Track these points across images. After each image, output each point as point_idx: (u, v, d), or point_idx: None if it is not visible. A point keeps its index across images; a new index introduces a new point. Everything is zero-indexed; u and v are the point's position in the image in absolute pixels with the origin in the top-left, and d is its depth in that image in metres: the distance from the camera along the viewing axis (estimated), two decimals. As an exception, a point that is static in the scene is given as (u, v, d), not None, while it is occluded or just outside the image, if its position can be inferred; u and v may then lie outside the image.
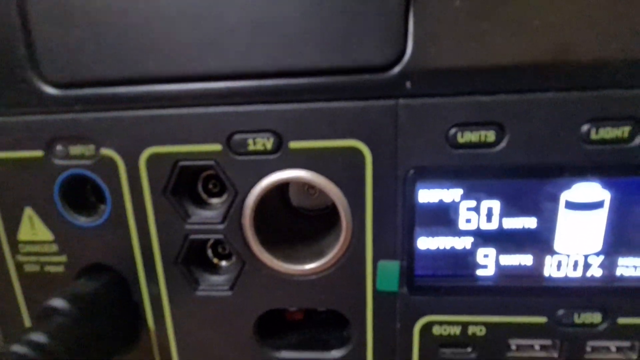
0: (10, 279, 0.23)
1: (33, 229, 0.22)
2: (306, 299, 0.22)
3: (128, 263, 0.22)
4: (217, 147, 0.19)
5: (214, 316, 0.22)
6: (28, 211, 0.21)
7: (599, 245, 0.20)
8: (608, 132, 0.18)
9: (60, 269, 0.22)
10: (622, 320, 0.20)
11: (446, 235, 0.20)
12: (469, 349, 0.22)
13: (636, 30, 0.17)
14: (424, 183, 0.19)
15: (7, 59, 0.19)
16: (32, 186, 0.21)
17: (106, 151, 0.20)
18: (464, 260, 0.21)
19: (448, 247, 0.21)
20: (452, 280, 0.21)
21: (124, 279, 0.22)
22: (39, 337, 0.17)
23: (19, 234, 0.22)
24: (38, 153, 0.20)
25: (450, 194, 0.20)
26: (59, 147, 0.20)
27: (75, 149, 0.20)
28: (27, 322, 0.23)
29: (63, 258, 0.22)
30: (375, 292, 0.21)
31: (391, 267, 0.21)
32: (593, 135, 0.18)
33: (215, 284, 0.22)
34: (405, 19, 0.17)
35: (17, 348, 0.17)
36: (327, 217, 0.23)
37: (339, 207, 0.20)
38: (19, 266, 0.22)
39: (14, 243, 0.22)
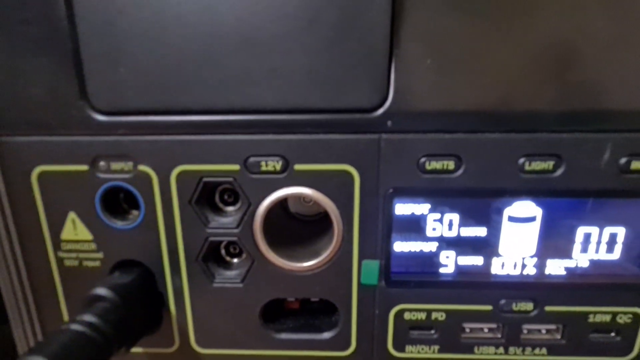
0: (52, 271, 0.27)
1: (75, 230, 0.26)
2: (304, 290, 0.26)
3: (156, 259, 0.26)
4: (235, 167, 0.24)
5: (227, 304, 0.27)
6: (71, 215, 0.25)
7: (533, 250, 0.26)
8: (538, 165, 0.23)
9: (97, 264, 0.26)
10: (548, 308, 0.26)
11: (416, 240, 0.26)
12: (432, 331, 0.27)
13: (558, 90, 0.22)
14: (400, 199, 0.25)
15: (61, 90, 0.23)
16: (76, 194, 0.25)
17: (143, 167, 0.24)
18: (430, 261, 0.26)
19: (418, 250, 0.26)
20: (420, 276, 0.26)
21: (151, 273, 0.26)
22: (91, 318, 0.22)
23: (62, 233, 0.26)
24: (84, 167, 0.25)
25: (420, 208, 0.25)
26: (102, 163, 0.24)
27: (116, 165, 0.24)
28: (64, 309, 0.27)
29: (100, 255, 0.26)
30: (360, 285, 0.26)
31: (373, 265, 0.26)
32: (527, 167, 0.23)
33: (229, 277, 0.27)
34: (388, 73, 0.22)
35: (74, 327, 0.21)
36: (318, 223, 0.28)
37: (332, 216, 0.25)
38: (59, 261, 0.26)
39: (57, 241, 0.26)
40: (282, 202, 0.29)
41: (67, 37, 0.22)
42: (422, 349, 0.27)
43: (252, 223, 0.25)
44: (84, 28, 0.22)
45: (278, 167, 0.24)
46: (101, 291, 0.23)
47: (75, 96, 0.23)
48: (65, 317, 0.28)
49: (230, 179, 0.24)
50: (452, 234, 0.25)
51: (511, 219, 0.25)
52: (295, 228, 0.29)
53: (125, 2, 0.21)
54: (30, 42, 0.22)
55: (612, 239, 0.25)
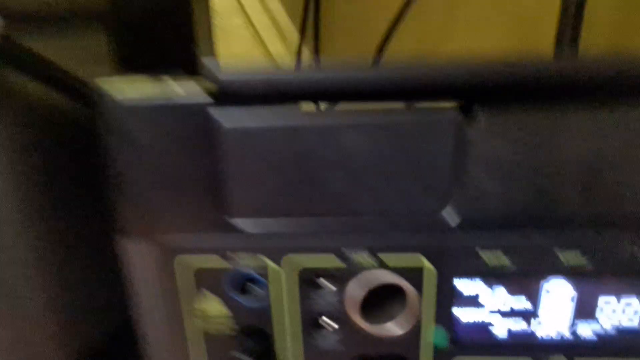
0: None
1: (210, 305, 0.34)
2: (384, 349, 0.34)
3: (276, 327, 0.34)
4: (341, 264, 0.32)
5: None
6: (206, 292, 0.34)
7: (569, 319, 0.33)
8: (570, 255, 0.31)
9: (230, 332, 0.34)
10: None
11: (475, 312, 0.33)
12: None
13: (584, 199, 0.29)
14: (461, 280, 0.32)
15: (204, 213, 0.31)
16: (209, 281, 0.33)
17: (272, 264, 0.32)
18: (486, 328, 0.33)
19: (477, 320, 0.33)
20: (479, 340, 0.33)
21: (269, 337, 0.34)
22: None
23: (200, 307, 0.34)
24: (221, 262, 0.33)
25: (477, 287, 0.32)
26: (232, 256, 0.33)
27: (248, 260, 0.33)
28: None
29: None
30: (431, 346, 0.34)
31: (441, 332, 0.33)
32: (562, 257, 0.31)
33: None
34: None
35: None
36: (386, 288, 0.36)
37: (408, 295, 0.32)
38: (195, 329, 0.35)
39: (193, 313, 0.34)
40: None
41: (220, 186, 0.31)
42: None
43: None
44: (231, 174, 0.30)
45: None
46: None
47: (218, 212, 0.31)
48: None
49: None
50: (505, 308, 0.33)
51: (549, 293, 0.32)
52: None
53: (271, 163, 0.29)
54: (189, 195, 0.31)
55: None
